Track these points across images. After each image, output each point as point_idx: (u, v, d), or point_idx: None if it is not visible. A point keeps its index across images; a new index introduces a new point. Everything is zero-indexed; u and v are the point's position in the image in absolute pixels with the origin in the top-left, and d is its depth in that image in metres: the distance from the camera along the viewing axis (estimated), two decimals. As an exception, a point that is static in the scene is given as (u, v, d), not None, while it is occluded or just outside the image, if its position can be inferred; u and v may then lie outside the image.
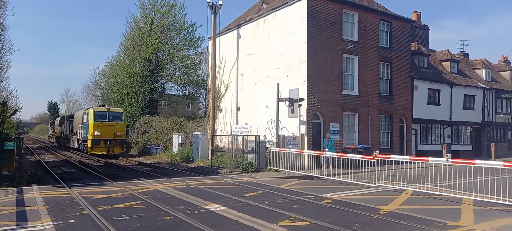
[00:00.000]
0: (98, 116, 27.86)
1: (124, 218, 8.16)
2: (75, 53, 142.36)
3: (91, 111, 28.47)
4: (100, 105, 32.39)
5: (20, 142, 25.83)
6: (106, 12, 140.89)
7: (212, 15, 23.34)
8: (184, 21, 36.63)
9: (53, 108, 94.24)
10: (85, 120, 29.13)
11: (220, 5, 23.29)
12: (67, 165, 22.68)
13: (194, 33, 36.61)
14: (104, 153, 26.86)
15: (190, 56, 37.17)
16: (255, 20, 23.47)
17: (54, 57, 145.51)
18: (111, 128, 27.82)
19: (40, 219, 8.06)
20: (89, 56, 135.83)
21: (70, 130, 36.12)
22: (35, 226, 7.48)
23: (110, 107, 29.74)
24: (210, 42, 24.42)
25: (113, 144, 27.62)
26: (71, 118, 37.34)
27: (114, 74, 39.11)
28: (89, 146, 27.31)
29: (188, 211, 8.81)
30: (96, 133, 27.15)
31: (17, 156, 16.62)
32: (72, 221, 7.91)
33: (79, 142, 31.06)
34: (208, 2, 22.95)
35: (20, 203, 9.90)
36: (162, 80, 37.79)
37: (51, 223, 7.69)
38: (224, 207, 9.25)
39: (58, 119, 50.18)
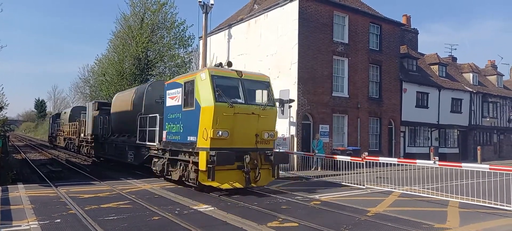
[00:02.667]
0: (223, 91, 10.92)
1: (112, 218, 8.07)
2: (62, 51, 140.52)
3: (204, 76, 11.04)
4: (216, 65, 12.33)
5: (6, 139, 25.29)
6: (94, 10, 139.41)
7: (203, 15, 23.25)
8: (174, 19, 36.41)
9: (40, 105, 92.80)
10: (174, 101, 12.45)
11: (212, 4, 23.22)
12: (54, 163, 22.36)
13: (185, 32, 36.41)
14: (240, 185, 11.09)
15: (181, 55, 36.96)
16: (247, 21, 23.46)
17: (40, 54, 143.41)
18: (252, 121, 11.27)
19: (26, 218, 7.93)
20: (77, 53, 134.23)
21: (104, 126, 20.38)
22: (20, 226, 7.35)
23: (242, 71, 11.99)
24: (201, 41, 24.33)
25: (256, 160, 11.41)
26: (105, 105, 21.73)
27: (103, 72, 38.67)
28: (203, 167, 10.54)
29: (176, 212, 8.76)
30: (219, 133, 10.65)
31: (3, 154, 16.33)
32: (58, 220, 7.80)
33: (142, 151, 15.04)
34: (200, 2, 22.85)
35: (5, 202, 9.72)
36: (152, 79, 37.46)
37: (37, 222, 7.57)
38: (213, 208, 9.22)
39: (68, 110, 35.36)
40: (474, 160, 27.99)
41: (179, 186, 12.64)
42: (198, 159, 10.69)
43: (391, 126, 24.55)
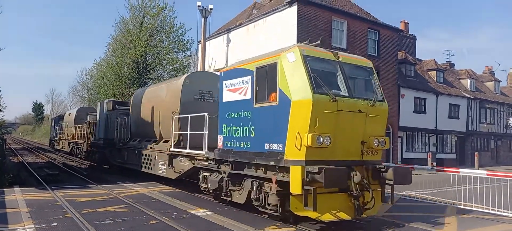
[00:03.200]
0: (320, 78, 7.55)
1: (108, 222, 8.03)
2: (61, 53, 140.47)
3: (293, 57, 7.72)
4: (315, 44, 8.82)
5: (3, 142, 25.17)
6: (93, 13, 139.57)
7: (202, 19, 23.31)
8: (173, 24, 36.50)
9: (37, 108, 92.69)
10: (238, 95, 9.09)
11: (211, 9, 23.29)
12: (51, 167, 22.26)
13: (184, 35, 36.50)
14: (348, 216, 7.67)
15: (179, 59, 37.01)
16: (246, 25, 23.53)
17: (38, 57, 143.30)
18: (358, 122, 7.92)
19: (22, 222, 7.88)
20: (75, 56, 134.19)
21: (122, 129, 17.31)
22: (16, 229, 7.30)
23: (338, 52, 8.67)
24: (200, 46, 24.37)
25: (364, 178, 7.84)
26: (122, 104, 19.72)
27: (101, 75, 38.65)
28: (297, 190, 7.13)
29: (173, 216, 8.72)
30: (320, 140, 7.23)
31: (0, 157, 16.26)
32: (55, 224, 7.75)
33: (180, 162, 11.84)
34: (199, 6, 22.93)
35: (1, 205, 9.66)
36: (151, 83, 37.45)
37: (33, 226, 7.52)
38: (210, 212, 9.19)
39: (73, 111, 30.99)
40: (472, 166, 28.05)
41: (177, 190, 12.60)
42: (287, 176, 7.46)
43: (388, 131, 24.60)
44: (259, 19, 22.38)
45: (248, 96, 8.64)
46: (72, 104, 67.44)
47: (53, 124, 39.72)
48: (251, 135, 8.45)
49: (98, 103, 22.36)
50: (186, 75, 13.64)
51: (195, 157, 10.75)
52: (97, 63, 41.40)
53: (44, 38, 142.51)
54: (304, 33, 19.87)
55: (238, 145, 8.85)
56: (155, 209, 9.37)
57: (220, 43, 25.62)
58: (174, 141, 11.94)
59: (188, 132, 11.02)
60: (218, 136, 9.58)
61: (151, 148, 13.88)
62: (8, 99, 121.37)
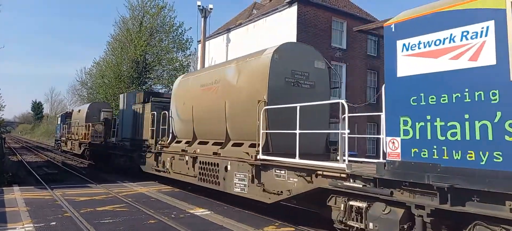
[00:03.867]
0: None
1: (107, 221, 8.02)
2: (60, 52, 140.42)
3: None
4: None
5: (2, 141, 25.10)
6: (92, 13, 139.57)
7: (202, 19, 23.32)
8: (173, 23, 36.51)
9: (37, 107, 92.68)
10: (454, 62, 4.96)
11: (211, 9, 23.30)
12: (50, 166, 22.24)
13: (183, 35, 36.52)
14: None
15: (179, 58, 37.01)
16: (245, 25, 23.54)
17: (38, 56, 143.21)
18: None
19: (21, 221, 7.87)
20: (75, 55, 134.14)
21: (159, 127, 13.47)
22: (15, 228, 7.30)
23: None
24: (200, 45, 24.38)
25: None
26: (157, 96, 16.12)
27: (101, 74, 38.64)
28: None
29: (173, 215, 8.71)
30: None
31: (-1, 155, 16.24)
32: (54, 223, 7.74)
33: (280, 180, 7.69)
34: (199, 6, 22.93)
35: (0, 204, 9.66)
36: (150, 82, 37.45)
37: (32, 225, 7.52)
38: (209, 212, 9.18)
39: (84, 107, 26.81)
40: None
41: (177, 190, 12.59)
42: None
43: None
44: (259, 19, 22.40)
45: (488, 60, 4.65)
46: (71, 104, 67.42)
47: (59, 122, 35.25)
48: (500, 138, 4.47)
49: (121, 96, 18.39)
50: (272, 48, 8.95)
51: (317, 171, 6.80)
52: (96, 63, 41.39)
53: (43, 37, 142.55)
54: (304, 33, 19.89)
55: (455, 156, 4.85)
56: (154, 209, 9.36)
57: (220, 43, 25.65)
58: (262, 146, 8.09)
59: (297, 132, 7.14)
60: (388, 138, 5.65)
61: (216, 153, 9.77)
62: (7, 99, 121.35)
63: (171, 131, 12.81)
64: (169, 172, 12.23)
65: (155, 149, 13.23)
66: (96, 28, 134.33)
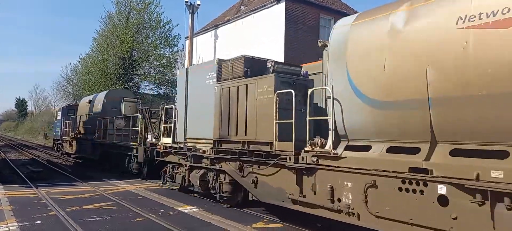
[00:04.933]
0: None
1: (94, 219, 7.94)
2: (45, 49, 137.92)
3: None
4: None
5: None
6: (77, 9, 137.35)
7: (190, 15, 23.16)
8: (160, 19, 36.17)
9: (20, 105, 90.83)
10: None
11: (198, 5, 23.15)
12: (34, 163, 21.86)
13: (171, 31, 36.23)
14: None
15: (166, 55, 36.71)
16: (233, 22, 23.46)
17: (22, 53, 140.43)
18: None
19: (5, 220, 7.73)
20: (59, 52, 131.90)
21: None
22: (-2, 228, 7.18)
23: None
24: (187, 42, 24.22)
25: None
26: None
27: (87, 71, 38.09)
28: None
29: (160, 213, 8.67)
30: None
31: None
32: (39, 222, 7.62)
33: None
34: (186, 2, 22.75)
35: (-18, 203, 9.47)
36: (137, 79, 37.07)
37: (16, 224, 7.39)
38: (197, 209, 9.16)
39: (101, 97, 20.34)
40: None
41: (164, 187, 12.51)
42: None
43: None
44: (247, 15, 22.35)
45: None
46: (56, 100, 66.25)
47: (59, 117, 27.21)
48: None
49: (184, 70, 11.50)
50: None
51: None
52: (82, 59, 40.76)
53: (27, 34, 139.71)
54: (292, 29, 19.92)
55: None
56: (141, 206, 9.29)
57: (208, 39, 25.52)
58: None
59: None
60: None
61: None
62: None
63: (332, 126, 6.71)
64: (354, 213, 6.16)
65: (300, 160, 7.13)
66: (82, 24, 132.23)
